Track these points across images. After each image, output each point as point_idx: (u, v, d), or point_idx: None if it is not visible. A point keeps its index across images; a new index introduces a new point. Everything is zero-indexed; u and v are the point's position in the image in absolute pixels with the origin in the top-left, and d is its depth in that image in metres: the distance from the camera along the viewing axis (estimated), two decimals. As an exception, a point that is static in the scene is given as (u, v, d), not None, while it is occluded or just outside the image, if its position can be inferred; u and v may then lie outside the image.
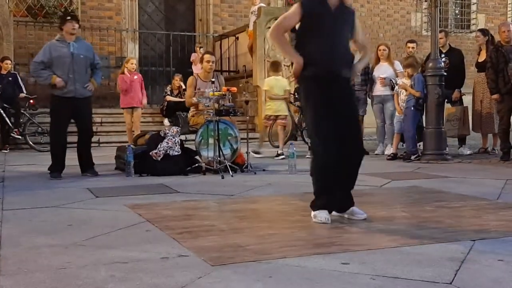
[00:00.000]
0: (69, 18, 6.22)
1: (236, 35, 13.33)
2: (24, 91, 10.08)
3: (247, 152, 6.68)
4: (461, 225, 3.61)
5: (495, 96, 7.51)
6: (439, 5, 7.92)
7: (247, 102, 9.01)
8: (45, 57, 6.12)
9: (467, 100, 8.79)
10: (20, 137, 9.85)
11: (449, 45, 8.70)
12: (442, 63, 7.73)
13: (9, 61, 10.10)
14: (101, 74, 6.37)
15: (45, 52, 6.13)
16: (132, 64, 9.45)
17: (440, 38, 8.14)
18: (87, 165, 6.39)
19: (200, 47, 12.48)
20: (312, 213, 3.72)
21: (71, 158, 6.37)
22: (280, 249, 3.00)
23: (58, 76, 6.05)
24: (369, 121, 9.52)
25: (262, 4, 12.44)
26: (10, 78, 9.92)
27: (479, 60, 8.29)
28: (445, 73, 7.62)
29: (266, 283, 2.46)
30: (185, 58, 13.07)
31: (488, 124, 8.24)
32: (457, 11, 16.63)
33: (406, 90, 7.65)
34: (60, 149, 6.19)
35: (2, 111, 9.74)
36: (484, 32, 8.46)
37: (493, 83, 7.46)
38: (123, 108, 9.55)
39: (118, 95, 9.71)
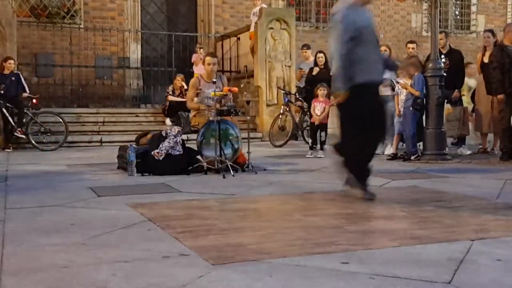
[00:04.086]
0: None
1: (238, 36, 13.35)
2: (27, 91, 10.12)
3: (248, 152, 6.70)
4: (460, 225, 3.64)
5: (500, 96, 7.46)
6: (439, 6, 7.93)
7: (248, 102, 9.14)
8: None
9: (467, 100, 8.80)
10: (23, 136, 9.89)
11: (449, 46, 8.70)
12: (442, 64, 7.74)
13: (12, 61, 10.12)
14: None
15: None
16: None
17: (440, 39, 8.14)
18: None
19: (200, 48, 12.49)
20: None
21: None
22: (280, 249, 3.02)
23: None
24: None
25: (264, 5, 12.45)
26: (13, 78, 9.96)
27: (485, 61, 8.25)
28: (445, 74, 7.62)
29: (266, 282, 2.48)
30: (187, 58, 13.11)
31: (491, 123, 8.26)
32: (457, 12, 16.62)
33: (406, 90, 7.66)
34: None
35: (5, 111, 9.78)
36: (493, 32, 8.47)
37: (499, 83, 7.39)
38: None
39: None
